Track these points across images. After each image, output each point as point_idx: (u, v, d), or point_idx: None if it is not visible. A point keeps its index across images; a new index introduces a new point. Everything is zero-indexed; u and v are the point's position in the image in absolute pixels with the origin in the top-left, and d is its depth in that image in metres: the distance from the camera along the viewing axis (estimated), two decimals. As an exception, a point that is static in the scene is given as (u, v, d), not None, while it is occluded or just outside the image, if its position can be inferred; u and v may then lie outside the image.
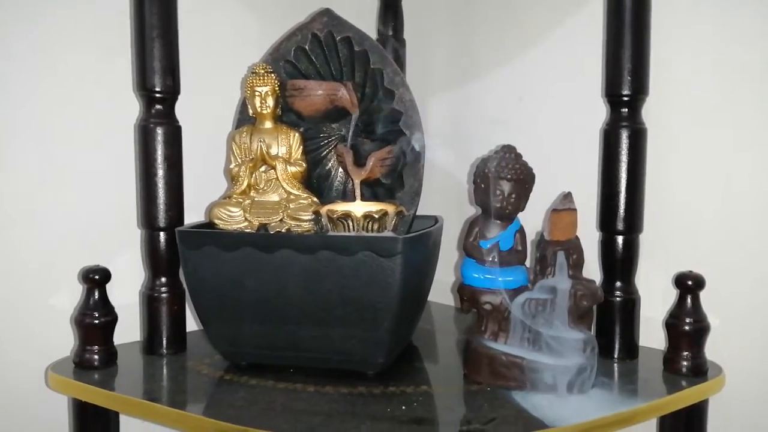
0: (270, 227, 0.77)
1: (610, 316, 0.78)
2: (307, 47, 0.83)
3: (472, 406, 0.67)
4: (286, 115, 0.83)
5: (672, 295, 0.77)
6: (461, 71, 1.08)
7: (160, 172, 0.79)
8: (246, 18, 0.98)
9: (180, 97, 0.81)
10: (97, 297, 0.76)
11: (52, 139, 0.83)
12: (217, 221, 0.77)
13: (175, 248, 0.74)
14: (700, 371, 0.73)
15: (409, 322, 0.79)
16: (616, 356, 0.78)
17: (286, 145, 0.80)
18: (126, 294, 0.83)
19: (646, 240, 0.80)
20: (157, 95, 0.78)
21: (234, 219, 0.77)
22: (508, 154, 0.73)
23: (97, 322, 0.75)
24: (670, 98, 0.82)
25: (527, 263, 0.75)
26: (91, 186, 0.86)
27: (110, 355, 0.76)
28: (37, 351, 0.82)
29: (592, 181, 0.83)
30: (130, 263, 0.87)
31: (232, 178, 0.80)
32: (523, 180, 0.72)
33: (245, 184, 0.79)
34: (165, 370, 0.77)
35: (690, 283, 0.74)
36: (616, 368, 0.76)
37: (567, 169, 0.89)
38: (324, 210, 0.74)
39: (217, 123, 0.92)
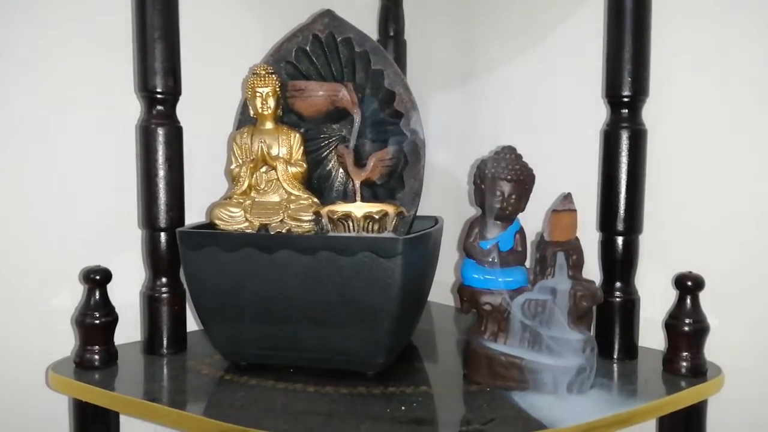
0: (270, 228, 0.77)
1: (610, 316, 0.79)
2: (308, 48, 0.83)
3: (472, 406, 0.67)
4: (287, 115, 0.83)
5: (671, 295, 0.77)
6: (462, 72, 1.09)
7: (161, 173, 0.79)
8: (247, 19, 0.98)
9: (181, 97, 0.81)
10: (97, 297, 0.76)
11: (54, 140, 0.83)
12: (217, 222, 0.77)
13: (176, 248, 0.74)
14: (699, 372, 0.73)
15: (409, 322, 0.79)
16: (615, 357, 0.78)
17: (287, 146, 0.80)
18: (127, 294, 0.83)
19: (645, 241, 0.80)
20: (159, 96, 0.78)
21: (235, 219, 0.77)
22: (509, 154, 0.73)
23: (97, 322, 0.75)
24: (670, 99, 0.82)
25: (527, 264, 0.75)
26: (92, 186, 0.86)
27: (111, 355, 0.76)
28: (37, 351, 0.82)
29: (592, 182, 0.83)
30: (130, 263, 0.87)
31: (233, 179, 0.80)
32: (523, 181, 0.72)
33: (246, 184, 0.79)
34: (165, 370, 0.77)
35: (689, 283, 0.74)
36: (615, 369, 0.77)
37: (567, 170, 0.89)
38: (324, 211, 0.75)
39: (218, 124, 0.93)
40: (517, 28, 1.00)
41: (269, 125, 0.81)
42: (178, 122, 0.81)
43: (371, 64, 0.81)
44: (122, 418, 0.79)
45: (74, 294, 0.83)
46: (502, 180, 0.72)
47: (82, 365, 0.75)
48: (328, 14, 0.83)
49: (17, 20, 0.80)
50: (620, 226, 0.78)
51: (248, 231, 0.77)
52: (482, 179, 0.73)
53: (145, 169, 0.79)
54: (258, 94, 0.79)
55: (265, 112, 0.80)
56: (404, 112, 0.80)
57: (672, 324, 0.74)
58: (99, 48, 0.85)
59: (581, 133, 0.89)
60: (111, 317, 0.76)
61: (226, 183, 0.92)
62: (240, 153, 0.80)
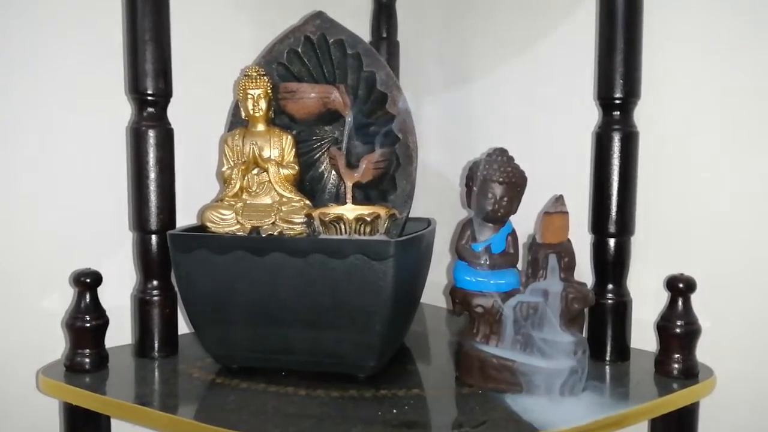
0: (262, 230, 0.77)
1: (602, 318, 0.79)
2: (300, 50, 0.83)
3: (464, 409, 0.67)
4: (279, 117, 0.83)
5: (663, 297, 0.77)
6: (455, 74, 1.09)
7: (152, 175, 0.78)
8: (238, 20, 0.98)
9: (172, 99, 0.81)
10: (88, 300, 0.75)
11: (45, 142, 0.83)
12: (209, 224, 0.77)
13: (167, 251, 0.74)
14: (691, 374, 0.73)
15: (402, 325, 0.79)
16: (607, 359, 0.78)
17: (279, 148, 0.80)
18: (117, 297, 0.82)
19: (637, 242, 0.80)
20: (149, 98, 0.78)
21: (226, 222, 0.77)
22: (500, 157, 0.73)
23: (88, 325, 0.75)
24: (662, 101, 0.82)
25: (519, 266, 0.75)
26: (82, 189, 0.86)
27: (101, 358, 0.76)
28: (28, 354, 0.82)
29: (584, 184, 0.83)
30: (121, 266, 0.86)
31: (225, 181, 0.80)
32: (515, 183, 0.72)
33: (237, 186, 0.79)
34: (156, 374, 0.77)
35: (681, 285, 0.74)
36: (607, 371, 0.77)
37: (559, 172, 0.89)
38: (316, 213, 0.74)
39: (210, 126, 0.92)
40: (511, 30, 1.00)
41: (261, 127, 0.80)
42: (169, 124, 0.80)
43: (363, 66, 0.81)
44: (113, 422, 0.79)
45: (65, 297, 0.83)
46: (494, 182, 0.72)
47: (72, 368, 0.75)
48: (320, 16, 0.83)
49: (15, 23, 0.80)
50: (612, 228, 0.78)
51: (240, 233, 0.76)
52: (474, 181, 0.73)
53: (135, 171, 0.79)
54: (249, 96, 0.79)
55: (257, 114, 0.80)
56: (396, 114, 0.80)
57: (664, 326, 0.75)
58: (92, 50, 0.85)
59: (573, 135, 0.89)
60: (102, 320, 0.76)
61: (217, 185, 0.91)
62: (231, 155, 0.80)
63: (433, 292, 1.03)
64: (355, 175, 0.78)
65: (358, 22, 1.02)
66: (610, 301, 0.78)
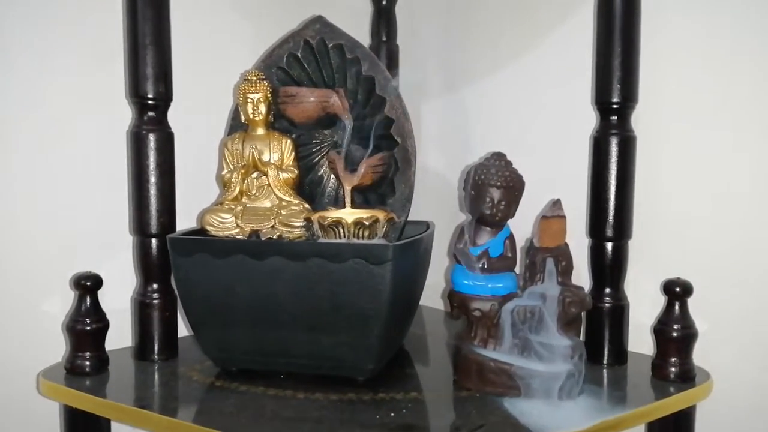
0: (261, 234, 0.77)
1: (599, 322, 0.79)
2: (299, 54, 0.83)
3: (461, 412, 0.67)
4: (279, 121, 0.83)
5: (660, 301, 0.78)
6: (453, 78, 1.09)
7: (152, 179, 0.79)
8: (238, 25, 0.98)
9: (173, 103, 0.81)
10: (88, 303, 0.76)
11: (45, 145, 0.83)
12: (208, 227, 0.77)
13: (167, 254, 0.74)
14: (688, 377, 0.74)
15: (400, 328, 0.79)
16: (604, 362, 0.79)
17: (278, 152, 0.80)
18: (118, 300, 0.83)
19: (635, 246, 0.81)
20: (150, 102, 0.78)
21: (226, 225, 0.78)
22: (498, 161, 0.73)
23: (88, 328, 0.75)
24: (659, 105, 0.82)
25: (517, 270, 0.75)
26: (83, 192, 0.86)
27: (102, 361, 0.76)
28: (28, 357, 0.82)
29: (582, 188, 0.83)
30: (121, 269, 0.87)
31: (224, 185, 0.81)
32: (513, 187, 0.73)
33: (237, 190, 0.79)
34: (156, 377, 0.77)
35: (678, 289, 0.74)
36: (604, 374, 0.77)
37: (557, 176, 0.90)
38: (315, 217, 0.75)
39: (210, 130, 0.93)
40: (509, 34, 1.01)
41: (261, 131, 0.81)
42: (169, 128, 0.81)
43: (362, 70, 0.82)
44: (113, 425, 0.79)
45: (65, 300, 0.83)
46: (492, 186, 0.72)
47: (73, 371, 0.75)
48: (319, 20, 0.83)
49: (14, 26, 0.80)
50: (609, 232, 0.79)
51: (239, 237, 0.77)
52: (472, 185, 0.73)
53: (136, 175, 0.79)
54: (249, 100, 0.80)
55: (257, 118, 0.80)
56: (395, 118, 0.80)
57: (661, 330, 0.75)
58: (92, 54, 0.85)
59: (571, 139, 0.89)
60: (102, 323, 0.76)
61: (217, 189, 0.92)
62: (231, 159, 0.81)
63: (432, 295, 1.03)
64: (354, 179, 0.79)
65: (358, 27, 1.02)
66: (607, 305, 0.79)
